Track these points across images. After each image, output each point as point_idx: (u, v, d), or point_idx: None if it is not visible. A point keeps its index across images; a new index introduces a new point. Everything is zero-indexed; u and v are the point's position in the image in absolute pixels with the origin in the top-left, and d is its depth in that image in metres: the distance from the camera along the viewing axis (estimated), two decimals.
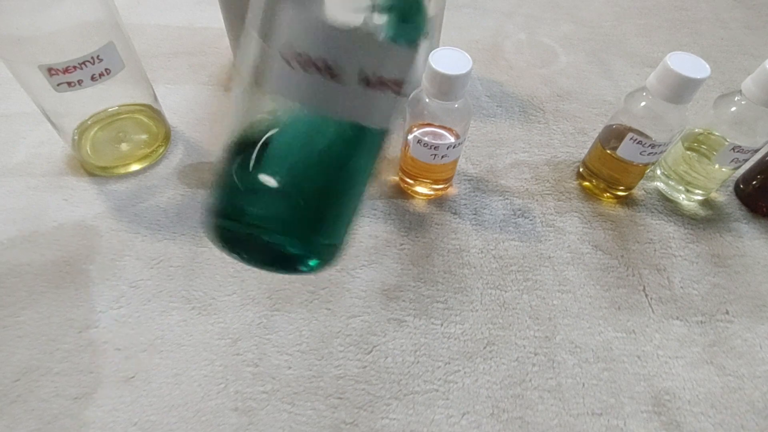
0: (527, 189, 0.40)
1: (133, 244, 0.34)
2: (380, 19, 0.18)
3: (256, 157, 0.22)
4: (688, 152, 0.38)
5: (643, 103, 0.34)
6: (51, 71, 0.30)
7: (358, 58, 0.18)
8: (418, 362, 0.30)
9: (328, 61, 0.18)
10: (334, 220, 0.24)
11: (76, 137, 0.36)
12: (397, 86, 0.20)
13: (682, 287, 0.35)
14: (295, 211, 0.23)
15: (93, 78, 0.32)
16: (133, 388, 0.28)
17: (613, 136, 0.36)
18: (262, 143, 0.21)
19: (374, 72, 0.19)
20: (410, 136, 0.34)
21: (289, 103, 0.20)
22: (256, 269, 0.33)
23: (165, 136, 0.40)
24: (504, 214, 0.38)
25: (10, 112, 0.42)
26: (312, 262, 0.25)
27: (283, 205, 0.23)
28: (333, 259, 0.25)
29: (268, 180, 0.22)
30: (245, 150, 0.22)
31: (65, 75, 0.30)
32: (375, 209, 0.38)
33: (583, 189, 0.41)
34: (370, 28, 0.18)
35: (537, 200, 0.39)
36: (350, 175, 0.23)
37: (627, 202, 0.40)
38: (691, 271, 0.36)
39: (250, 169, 0.22)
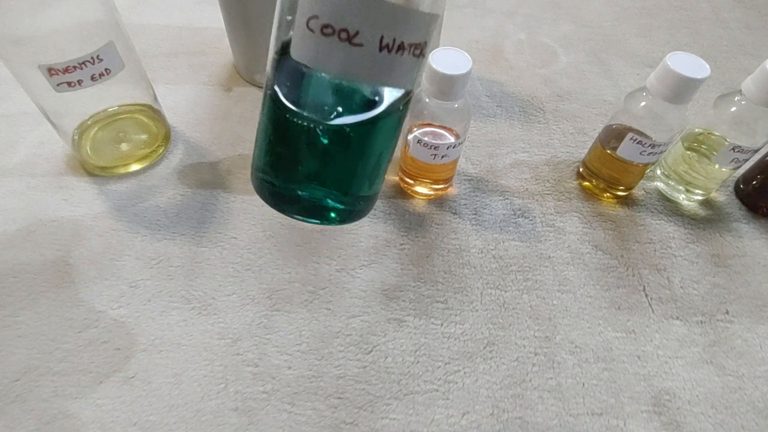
0: (527, 189, 0.40)
1: (132, 244, 0.34)
2: None
3: (295, 118, 0.23)
4: (688, 152, 0.38)
5: (643, 103, 0.34)
6: (51, 71, 0.30)
7: (379, 25, 0.19)
8: (418, 362, 0.30)
9: (350, 29, 0.19)
10: (367, 175, 0.26)
11: (76, 137, 0.36)
12: (418, 49, 0.21)
13: (682, 287, 0.35)
14: (333, 169, 0.25)
15: (93, 78, 0.32)
16: (133, 388, 0.28)
17: (613, 136, 0.36)
18: (299, 105, 0.22)
19: (395, 38, 0.19)
20: (410, 136, 0.34)
21: (315, 68, 0.21)
22: (256, 270, 0.34)
23: (165, 136, 0.40)
24: (504, 214, 0.38)
25: (10, 112, 0.42)
26: (333, 215, 0.27)
27: (322, 164, 0.25)
28: (368, 208, 0.28)
29: (307, 143, 0.24)
30: (285, 111, 0.23)
31: (65, 75, 0.30)
32: (375, 209, 0.38)
33: (583, 189, 0.41)
34: None
35: (537, 200, 0.39)
36: (378, 133, 0.24)
37: (627, 202, 0.40)
38: (691, 271, 0.36)
39: (290, 130, 0.23)
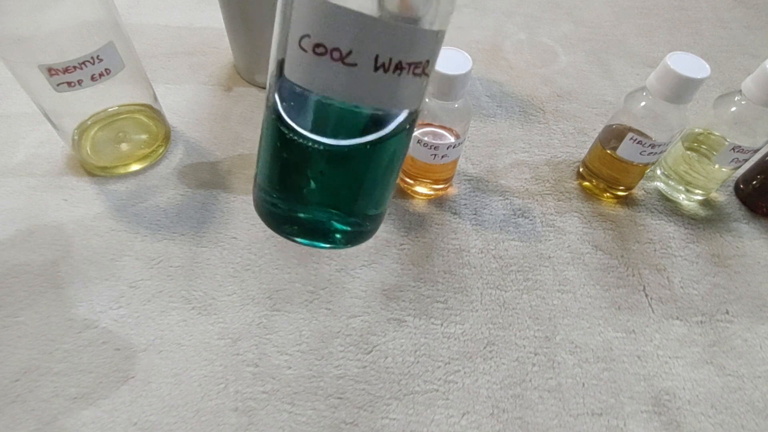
0: (527, 189, 0.40)
1: (132, 244, 0.34)
2: (397, 3, 0.18)
3: (299, 141, 0.22)
4: (688, 152, 0.38)
5: (643, 103, 0.34)
6: (51, 71, 0.30)
7: (373, 44, 0.18)
8: (418, 362, 0.30)
9: (342, 49, 0.18)
10: (374, 195, 0.25)
11: (76, 137, 0.36)
12: (418, 68, 0.20)
13: (682, 287, 0.35)
14: (338, 191, 0.24)
15: (93, 78, 0.31)
16: (133, 388, 0.28)
17: (613, 136, 0.36)
18: (301, 124, 0.22)
19: (391, 57, 0.18)
20: None
21: (310, 89, 0.20)
22: (256, 270, 0.34)
23: (165, 136, 0.40)
24: (504, 214, 0.38)
25: (10, 112, 0.42)
26: (339, 236, 0.27)
27: (327, 185, 0.24)
28: (375, 228, 0.27)
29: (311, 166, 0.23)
30: (289, 133, 0.22)
31: (65, 75, 0.30)
32: None
33: (583, 189, 0.41)
34: (384, 13, 0.18)
35: (537, 200, 0.39)
36: (384, 153, 0.23)
37: (627, 202, 0.40)
38: (691, 271, 0.36)
39: (294, 154, 0.23)
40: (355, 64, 0.18)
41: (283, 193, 0.25)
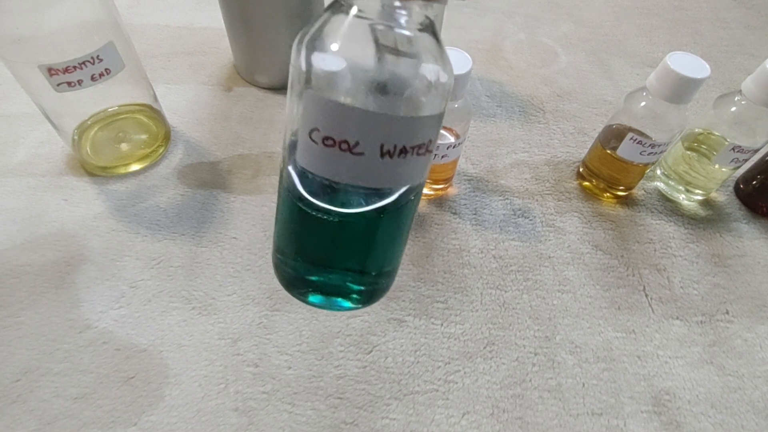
0: (527, 189, 0.40)
1: (133, 244, 0.34)
2: (399, 96, 0.20)
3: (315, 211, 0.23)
4: (688, 152, 0.38)
5: (643, 103, 0.34)
6: (51, 71, 0.30)
7: (377, 135, 0.19)
8: (418, 362, 0.30)
9: (350, 141, 0.19)
10: (385, 256, 0.27)
11: (76, 137, 0.36)
12: (422, 149, 0.21)
13: (682, 287, 0.35)
14: (350, 256, 0.26)
15: (93, 78, 0.32)
16: (133, 388, 0.28)
17: (613, 136, 0.36)
18: (313, 195, 0.23)
19: (395, 144, 0.20)
20: None
21: (320, 175, 0.21)
22: (256, 270, 0.33)
23: (165, 136, 0.40)
24: (504, 214, 0.38)
25: (10, 112, 0.42)
26: (356, 297, 0.28)
27: (339, 252, 0.25)
28: (390, 283, 0.29)
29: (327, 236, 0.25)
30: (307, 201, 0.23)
31: (65, 75, 0.30)
32: None
33: (583, 189, 0.41)
34: (387, 106, 0.19)
35: (537, 200, 0.39)
36: (393, 219, 0.25)
37: (627, 202, 0.40)
38: (691, 271, 0.36)
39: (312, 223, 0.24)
40: (363, 153, 0.20)
41: (300, 258, 0.26)
